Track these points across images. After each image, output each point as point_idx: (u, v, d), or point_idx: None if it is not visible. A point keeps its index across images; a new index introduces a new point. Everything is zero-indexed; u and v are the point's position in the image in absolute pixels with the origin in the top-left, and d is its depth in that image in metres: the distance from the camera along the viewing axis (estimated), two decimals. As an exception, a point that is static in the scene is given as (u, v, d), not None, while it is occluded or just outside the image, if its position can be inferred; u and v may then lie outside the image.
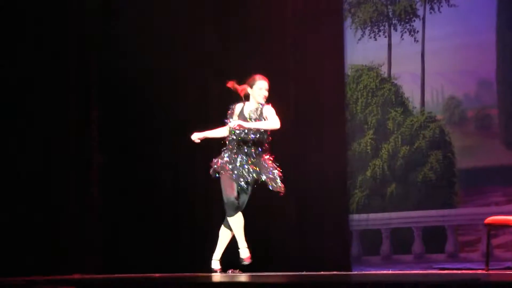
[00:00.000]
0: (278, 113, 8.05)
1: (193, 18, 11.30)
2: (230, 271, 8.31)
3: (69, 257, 10.32)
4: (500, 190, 11.24)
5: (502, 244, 10.26)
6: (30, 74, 10.40)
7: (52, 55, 10.63)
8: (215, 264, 8.20)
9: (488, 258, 8.51)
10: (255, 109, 8.06)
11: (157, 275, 7.88)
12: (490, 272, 8.10)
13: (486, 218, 8.66)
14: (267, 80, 8.09)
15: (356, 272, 10.46)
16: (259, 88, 8.01)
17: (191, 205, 11.10)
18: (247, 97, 8.15)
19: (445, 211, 11.21)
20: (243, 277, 7.29)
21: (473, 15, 11.72)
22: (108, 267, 9.97)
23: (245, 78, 8.19)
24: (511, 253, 8.60)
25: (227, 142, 8.19)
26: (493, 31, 11.62)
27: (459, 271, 9.18)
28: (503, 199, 11.09)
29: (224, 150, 8.17)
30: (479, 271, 8.26)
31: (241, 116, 8.09)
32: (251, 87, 8.06)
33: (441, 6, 11.95)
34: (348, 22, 12.43)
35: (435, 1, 12.00)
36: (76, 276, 8.90)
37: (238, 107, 8.20)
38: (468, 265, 10.12)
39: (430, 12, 12.03)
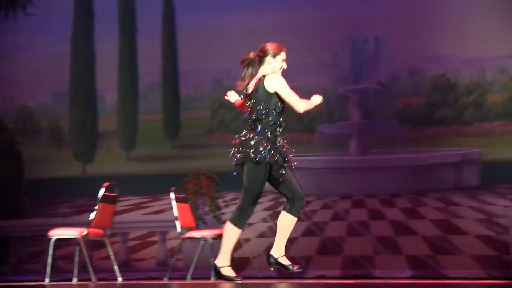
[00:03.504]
0: None
1: None
2: None
3: None
4: (68, 201, 11.33)
5: (65, 255, 10.30)
6: None
7: None
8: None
9: (50, 269, 8.48)
10: None
11: None
12: (51, 284, 8.07)
13: (51, 229, 8.60)
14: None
15: None
16: (282, 59, 6.52)
17: None
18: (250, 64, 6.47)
19: (12, 222, 10.96)
20: None
21: (50, 25, 11.71)
22: None
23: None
24: (73, 265, 8.64)
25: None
26: (68, 41, 11.72)
27: (20, 283, 9.02)
28: (71, 210, 11.17)
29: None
30: (40, 283, 8.19)
31: None
32: (274, 56, 6.47)
33: (17, 13, 11.76)
34: None
35: (11, 7, 11.77)
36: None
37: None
38: (30, 276, 9.98)
39: (5, 19, 11.79)
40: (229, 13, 11.19)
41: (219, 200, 10.33)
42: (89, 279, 8.25)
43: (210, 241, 8.21)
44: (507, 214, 9.54)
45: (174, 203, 8.45)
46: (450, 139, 10.73)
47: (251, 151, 6.25)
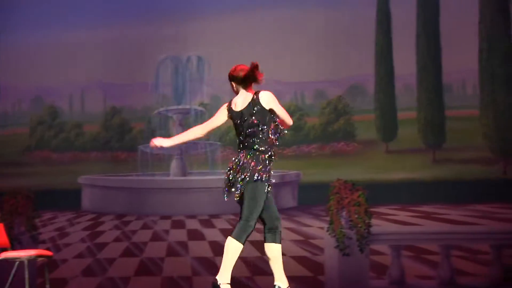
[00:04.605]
0: None
1: None
2: None
3: None
4: None
5: None
6: None
7: None
8: None
9: None
10: None
11: None
12: None
13: None
14: None
15: None
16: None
17: None
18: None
19: None
20: None
21: None
22: None
23: None
24: None
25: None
26: None
27: None
28: None
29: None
30: None
31: None
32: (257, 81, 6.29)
33: None
34: None
35: None
36: None
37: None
38: None
39: None
40: (54, 30, 11.02)
41: (36, 220, 10.08)
42: None
43: (25, 261, 7.98)
44: (322, 236, 9.84)
45: (-12, 222, 8.19)
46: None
47: (253, 170, 6.05)
